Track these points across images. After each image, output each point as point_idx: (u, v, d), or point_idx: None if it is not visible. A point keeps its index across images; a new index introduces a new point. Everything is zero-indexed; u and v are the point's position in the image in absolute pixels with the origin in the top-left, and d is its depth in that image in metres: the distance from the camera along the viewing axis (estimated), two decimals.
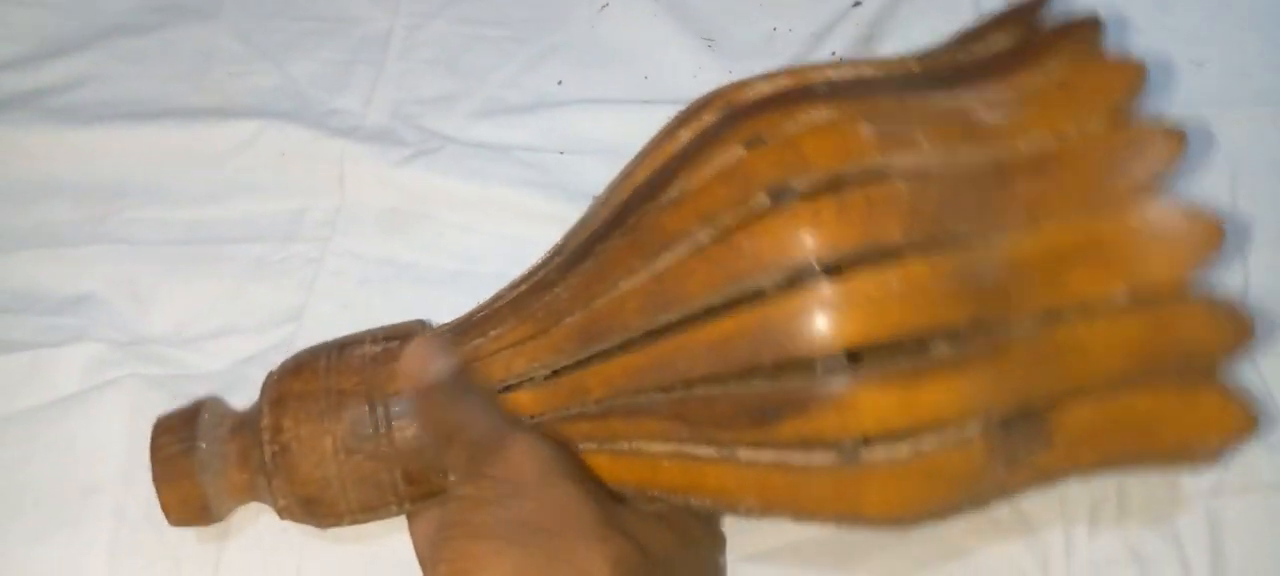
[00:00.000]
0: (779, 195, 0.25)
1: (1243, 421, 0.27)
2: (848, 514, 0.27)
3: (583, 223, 0.31)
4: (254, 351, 0.38)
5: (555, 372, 0.28)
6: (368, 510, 0.30)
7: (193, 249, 0.41)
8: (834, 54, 0.46)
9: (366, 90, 0.46)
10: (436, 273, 0.41)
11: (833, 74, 0.28)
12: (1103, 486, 0.33)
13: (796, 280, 0.25)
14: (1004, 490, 0.28)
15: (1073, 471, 0.28)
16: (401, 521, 0.31)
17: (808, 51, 0.46)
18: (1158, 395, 0.27)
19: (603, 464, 0.29)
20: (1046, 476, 0.28)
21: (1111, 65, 0.27)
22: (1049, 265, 0.26)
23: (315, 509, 0.29)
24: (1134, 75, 0.27)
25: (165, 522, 0.30)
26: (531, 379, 0.29)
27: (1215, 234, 0.26)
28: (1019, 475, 0.27)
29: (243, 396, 0.37)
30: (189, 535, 0.33)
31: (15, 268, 0.40)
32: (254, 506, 0.32)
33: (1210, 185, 0.41)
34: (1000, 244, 0.26)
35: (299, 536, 0.34)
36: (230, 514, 0.32)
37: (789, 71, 0.29)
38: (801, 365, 0.25)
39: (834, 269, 0.25)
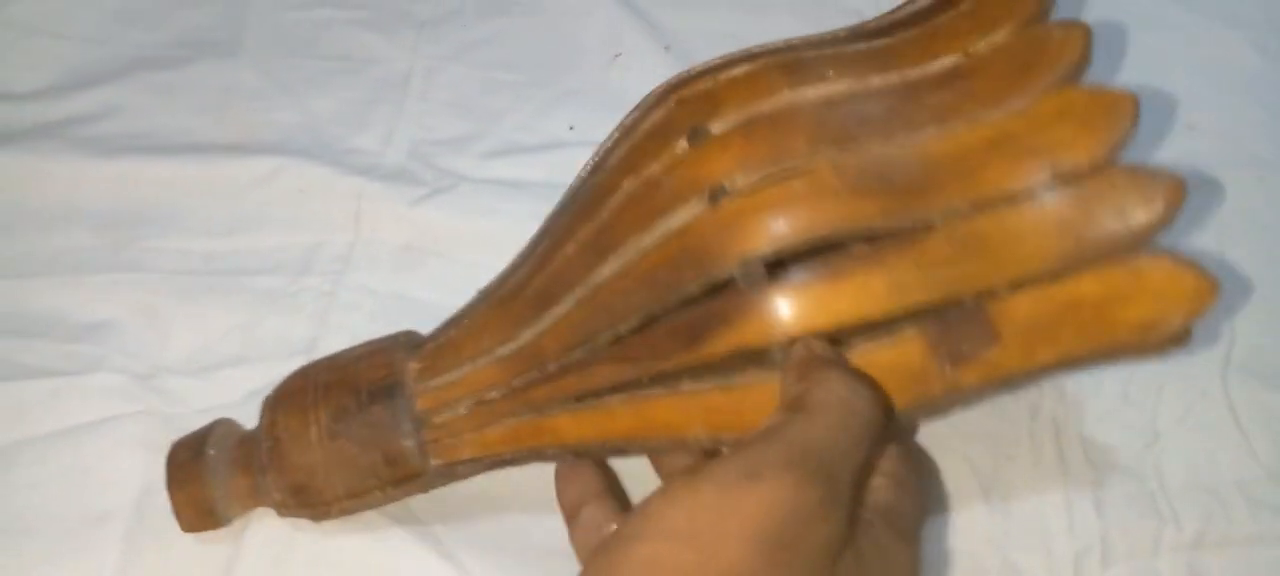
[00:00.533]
0: (695, 136, 0.27)
1: (1200, 287, 0.26)
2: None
3: (544, 231, 0.32)
4: (266, 383, 0.38)
5: (516, 343, 0.30)
6: (354, 496, 0.31)
7: (209, 279, 0.42)
8: None
9: (385, 129, 0.47)
10: (447, 309, 0.41)
11: (760, 46, 0.30)
12: (1086, 535, 0.34)
13: (710, 200, 0.27)
14: (958, 390, 0.28)
15: (1032, 369, 0.28)
16: (412, 544, 0.32)
17: None
18: (1103, 277, 0.27)
19: (564, 426, 0.30)
20: (1002, 374, 0.27)
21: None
22: (963, 161, 0.26)
23: (305, 496, 0.31)
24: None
25: (173, 555, 0.31)
26: (494, 353, 0.30)
27: (1128, 106, 0.26)
28: (969, 373, 0.27)
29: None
30: (196, 567, 0.34)
31: (36, 292, 0.41)
32: (262, 534, 0.32)
33: (1201, 244, 0.42)
34: (909, 145, 0.26)
35: (305, 568, 0.34)
36: (236, 518, 0.33)
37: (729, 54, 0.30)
38: (723, 281, 0.26)
39: (744, 186, 0.26)
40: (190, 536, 0.33)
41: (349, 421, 0.31)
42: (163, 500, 0.35)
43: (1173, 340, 0.28)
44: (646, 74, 0.48)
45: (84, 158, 0.45)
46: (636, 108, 0.31)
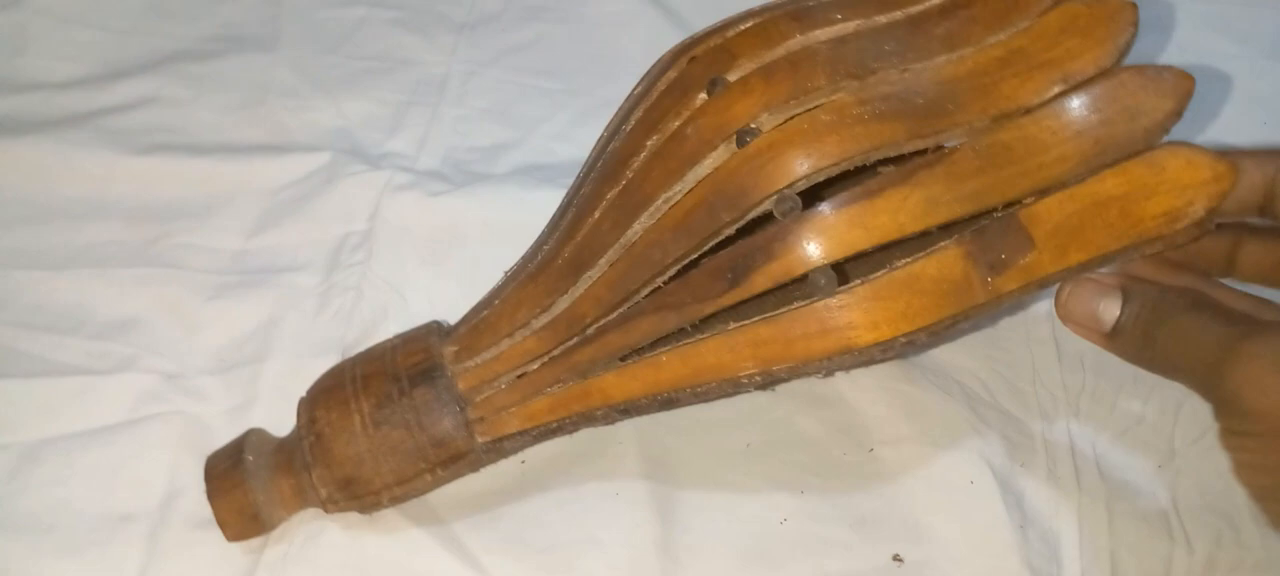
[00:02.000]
0: (713, 86, 0.28)
1: (1218, 172, 0.28)
2: (839, 346, 0.28)
3: (568, 197, 0.33)
4: (293, 381, 0.38)
5: (552, 312, 0.31)
6: (403, 482, 0.31)
7: (238, 277, 0.41)
8: None
9: (419, 133, 0.46)
10: (470, 305, 0.41)
11: (763, 5, 0.30)
12: (1097, 553, 0.33)
13: (738, 143, 0.28)
14: (999, 297, 0.29)
15: (1067, 269, 0.29)
16: (431, 543, 0.32)
17: None
18: (1125, 174, 0.28)
19: (610, 385, 0.31)
20: (1040, 277, 0.29)
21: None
22: (978, 81, 0.28)
23: (354, 488, 0.31)
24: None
25: (197, 556, 0.31)
26: (531, 325, 0.31)
27: (1128, 12, 0.27)
28: (1009, 280, 0.29)
29: (284, 428, 0.37)
30: (220, 568, 0.33)
31: (66, 285, 0.41)
32: (284, 536, 0.32)
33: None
34: (925, 72, 0.28)
35: (329, 572, 0.34)
36: (282, 522, 0.33)
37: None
38: (759, 217, 0.28)
39: (770, 124, 0.27)
40: (213, 538, 0.33)
41: (392, 408, 0.31)
42: (188, 501, 0.34)
43: (1198, 226, 0.29)
44: None
45: (116, 150, 0.45)
46: (645, 76, 0.31)
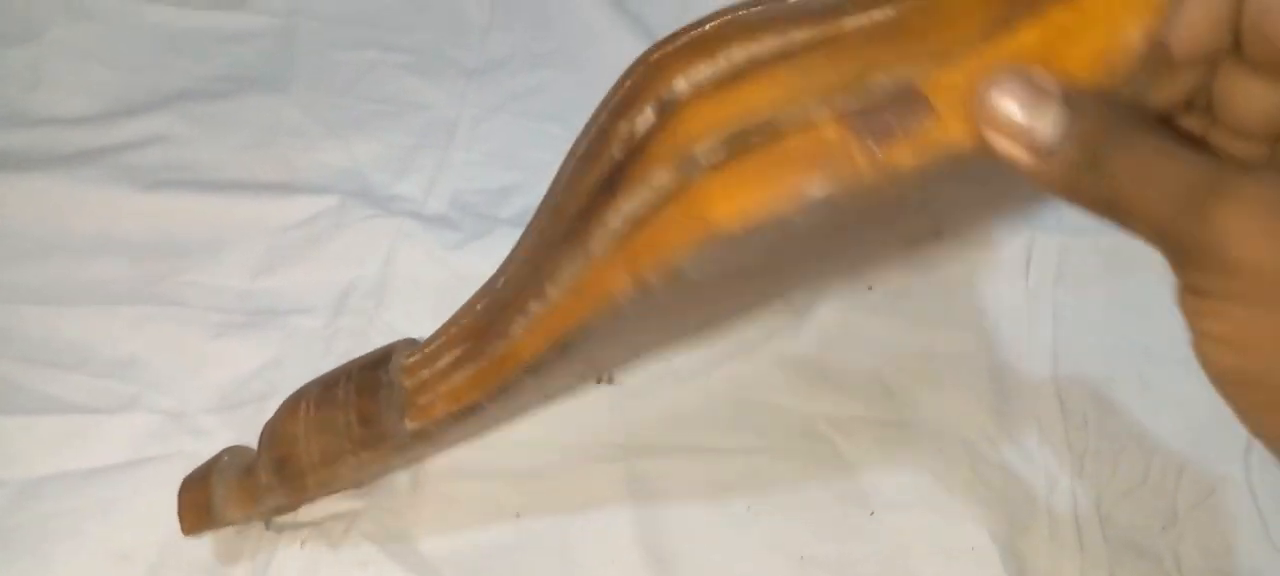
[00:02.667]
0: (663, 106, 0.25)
1: None
2: (703, 233, 0.25)
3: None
4: None
5: (486, 296, 0.31)
6: (327, 462, 0.33)
7: (243, 317, 0.41)
8: None
9: (428, 177, 0.47)
10: None
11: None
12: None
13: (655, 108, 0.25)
14: (893, 168, 0.25)
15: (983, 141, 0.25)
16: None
17: None
18: (1041, 21, 0.24)
19: (521, 344, 0.31)
20: (947, 149, 0.25)
21: None
22: None
23: (285, 469, 0.33)
24: None
25: None
26: (467, 313, 0.32)
27: None
28: (902, 150, 0.24)
29: None
30: None
31: (71, 321, 0.41)
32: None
33: None
34: None
35: None
36: (235, 522, 0.34)
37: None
38: (638, 115, 0.25)
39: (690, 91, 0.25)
40: None
41: (335, 391, 0.33)
42: (187, 544, 0.34)
43: (1140, 63, 0.24)
44: None
45: (124, 187, 0.45)
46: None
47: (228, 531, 0.35)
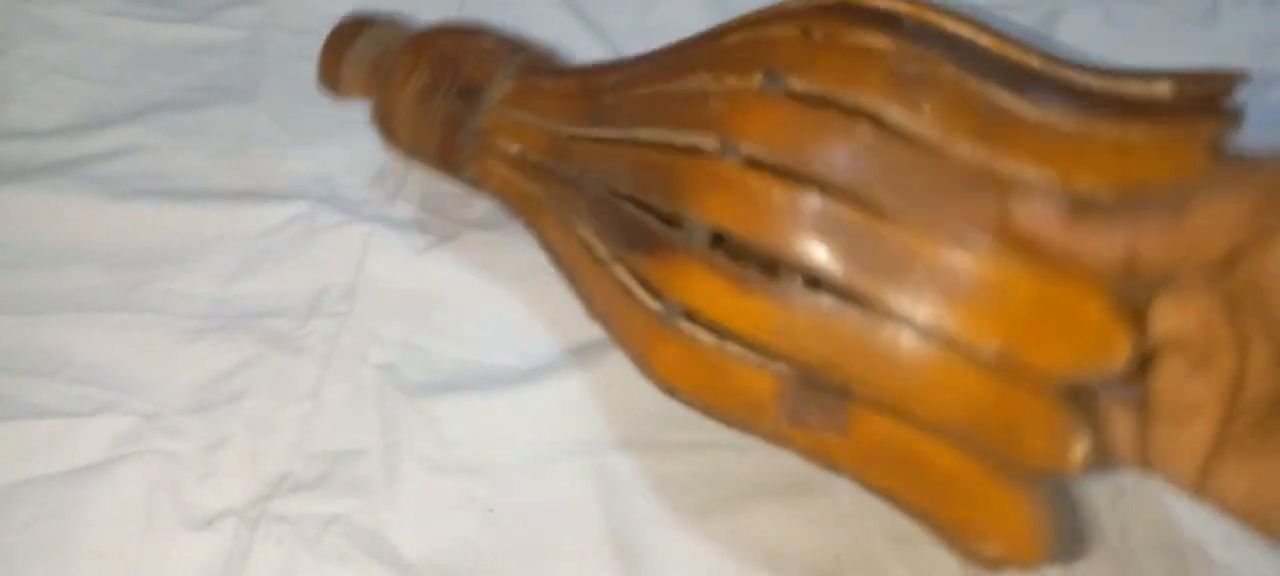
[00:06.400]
0: (769, 82, 0.27)
1: (1028, 543, 0.25)
2: (641, 359, 0.30)
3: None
4: (270, 420, 0.39)
5: (569, 137, 0.35)
6: (411, 150, 0.41)
7: (218, 321, 0.42)
8: None
9: (396, 182, 0.47)
10: (451, 357, 0.42)
11: (951, 25, 0.27)
12: None
13: (712, 152, 0.28)
14: (780, 438, 0.29)
15: (856, 477, 0.29)
16: None
17: None
18: (964, 464, 0.26)
19: (547, 225, 0.36)
20: (827, 458, 0.28)
21: (1174, 159, 0.24)
22: (943, 280, 0.24)
23: (384, 122, 0.41)
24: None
25: None
26: (554, 129, 0.35)
27: (1119, 356, 0.23)
28: (799, 437, 0.28)
29: (258, 468, 0.38)
30: None
31: (44, 329, 0.41)
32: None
33: None
34: (912, 236, 0.25)
35: None
36: (352, 93, 0.44)
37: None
38: (676, 216, 0.28)
39: (747, 160, 0.27)
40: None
41: (432, 99, 0.38)
42: (162, 540, 0.35)
43: (981, 565, 0.27)
44: None
45: (98, 197, 0.46)
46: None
47: (203, 524, 0.36)
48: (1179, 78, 0.26)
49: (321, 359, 0.41)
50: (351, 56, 0.41)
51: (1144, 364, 0.25)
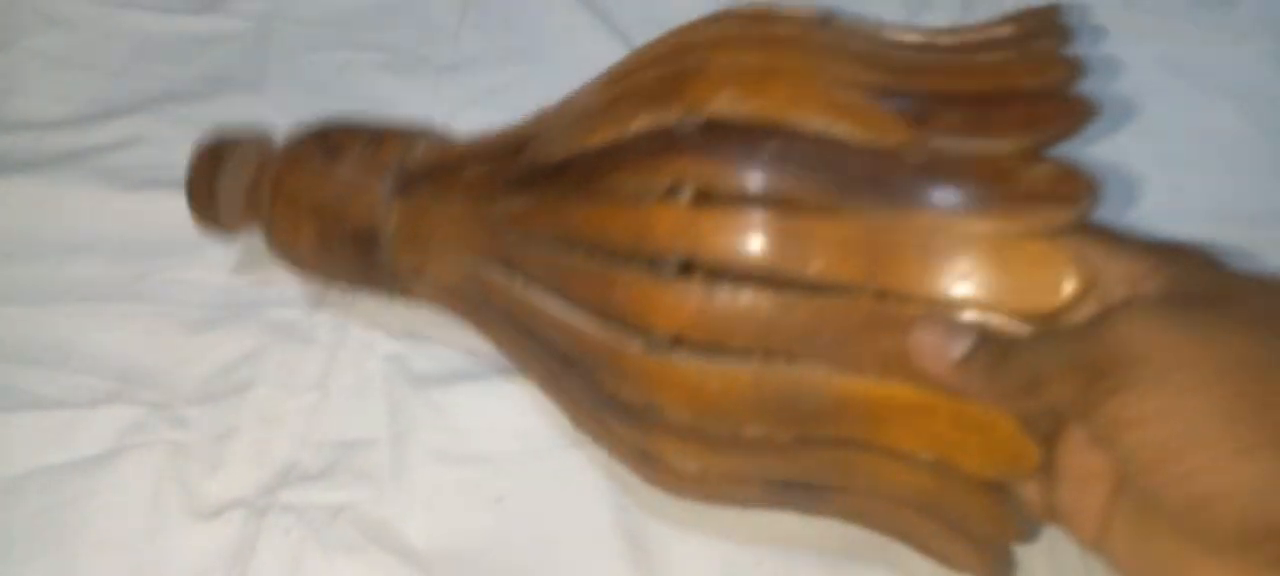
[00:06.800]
0: (658, 266, 0.27)
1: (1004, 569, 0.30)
2: (637, 475, 0.31)
3: (547, 130, 0.33)
4: (278, 410, 0.39)
5: (478, 261, 0.32)
6: (329, 283, 0.37)
7: (224, 311, 0.42)
8: None
9: None
10: (453, 350, 0.42)
11: (807, 118, 0.27)
12: None
13: (637, 343, 0.28)
14: (768, 505, 0.32)
15: (841, 519, 0.32)
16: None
17: None
18: (930, 524, 0.29)
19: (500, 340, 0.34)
20: (812, 512, 0.32)
21: (1048, 270, 0.26)
22: (875, 413, 0.27)
23: (293, 268, 0.36)
24: (1064, 287, 0.26)
25: None
26: (461, 257, 0.32)
27: (1030, 464, 0.26)
28: (785, 506, 0.32)
29: (265, 459, 0.38)
30: None
31: (52, 321, 0.41)
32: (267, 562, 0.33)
33: None
34: (837, 384, 0.27)
35: None
36: (240, 228, 0.38)
37: (766, 72, 0.28)
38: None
39: (672, 345, 0.27)
40: (196, 567, 0.34)
41: (330, 249, 0.35)
42: (169, 531, 0.35)
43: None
44: None
45: (104, 188, 0.45)
46: (654, 93, 0.30)
47: (210, 514, 0.36)
48: (1016, 17, 0.29)
49: (329, 349, 0.41)
50: (223, 196, 0.37)
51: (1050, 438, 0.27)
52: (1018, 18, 0.30)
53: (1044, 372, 0.25)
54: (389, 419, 0.39)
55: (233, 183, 0.37)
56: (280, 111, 0.49)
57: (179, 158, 0.47)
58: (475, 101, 0.50)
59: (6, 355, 0.40)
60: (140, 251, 0.44)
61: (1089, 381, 0.24)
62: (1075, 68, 0.27)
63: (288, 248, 0.36)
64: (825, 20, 0.30)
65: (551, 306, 0.30)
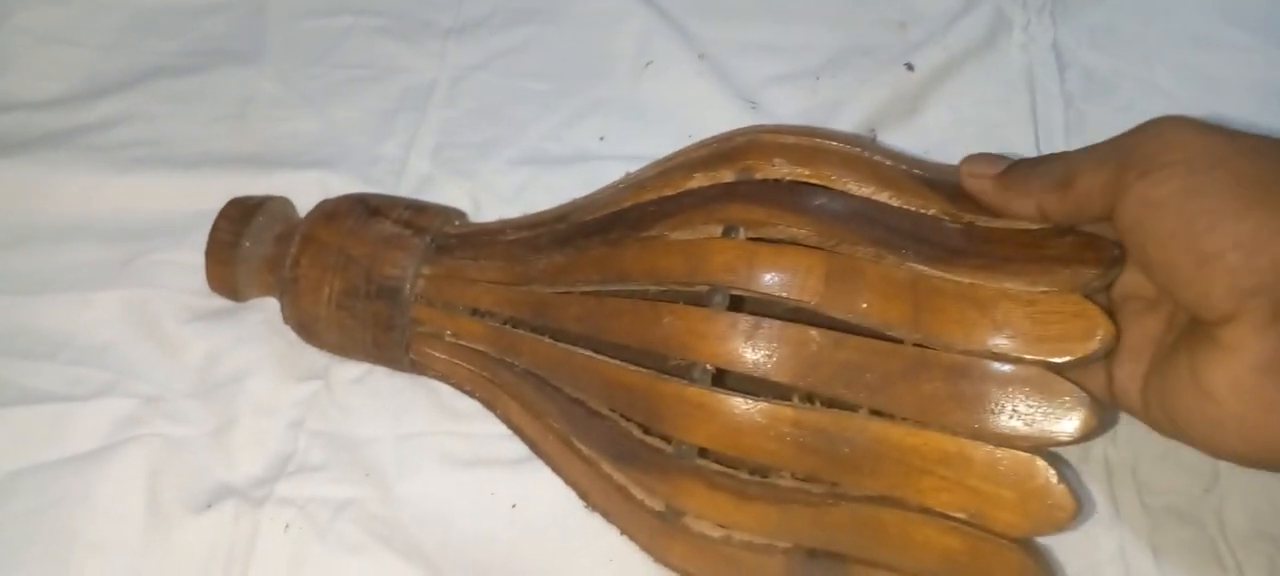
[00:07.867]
0: (712, 297, 0.28)
1: None
2: (651, 551, 0.31)
3: (592, 201, 0.34)
4: (276, 402, 0.37)
5: (507, 322, 0.33)
6: (341, 350, 0.36)
7: (219, 297, 0.40)
8: (873, 132, 0.45)
9: (408, 137, 0.45)
10: None
11: (854, 185, 0.30)
12: None
13: (680, 374, 0.28)
14: None
15: None
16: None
17: (854, 123, 0.45)
18: None
19: (511, 411, 0.34)
20: None
21: (1081, 321, 0.26)
22: (911, 461, 0.27)
23: (305, 332, 0.36)
24: (1097, 337, 0.26)
25: None
26: (490, 315, 0.33)
27: (1066, 516, 0.26)
28: None
29: (265, 451, 0.36)
30: None
31: (43, 309, 0.40)
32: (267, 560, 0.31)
33: None
34: (876, 428, 0.27)
35: None
36: (252, 296, 0.38)
37: (815, 148, 0.31)
38: (665, 436, 0.29)
39: (716, 378, 0.28)
40: (193, 565, 0.33)
41: (355, 302, 0.34)
42: (164, 529, 0.34)
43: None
44: (678, 83, 0.47)
45: (97, 168, 0.43)
46: (710, 159, 0.31)
47: (206, 508, 0.34)
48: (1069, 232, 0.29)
49: None
50: (242, 264, 0.37)
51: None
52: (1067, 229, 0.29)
53: (1077, 166, 0.27)
54: (396, 414, 0.37)
55: (256, 244, 0.37)
56: (278, 82, 0.47)
57: (174, 134, 0.45)
58: (483, 65, 0.48)
59: None
60: (133, 233, 0.42)
61: (1120, 169, 0.26)
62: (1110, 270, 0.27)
63: (306, 307, 0.35)
64: (867, 141, 0.32)
65: (584, 356, 0.31)
